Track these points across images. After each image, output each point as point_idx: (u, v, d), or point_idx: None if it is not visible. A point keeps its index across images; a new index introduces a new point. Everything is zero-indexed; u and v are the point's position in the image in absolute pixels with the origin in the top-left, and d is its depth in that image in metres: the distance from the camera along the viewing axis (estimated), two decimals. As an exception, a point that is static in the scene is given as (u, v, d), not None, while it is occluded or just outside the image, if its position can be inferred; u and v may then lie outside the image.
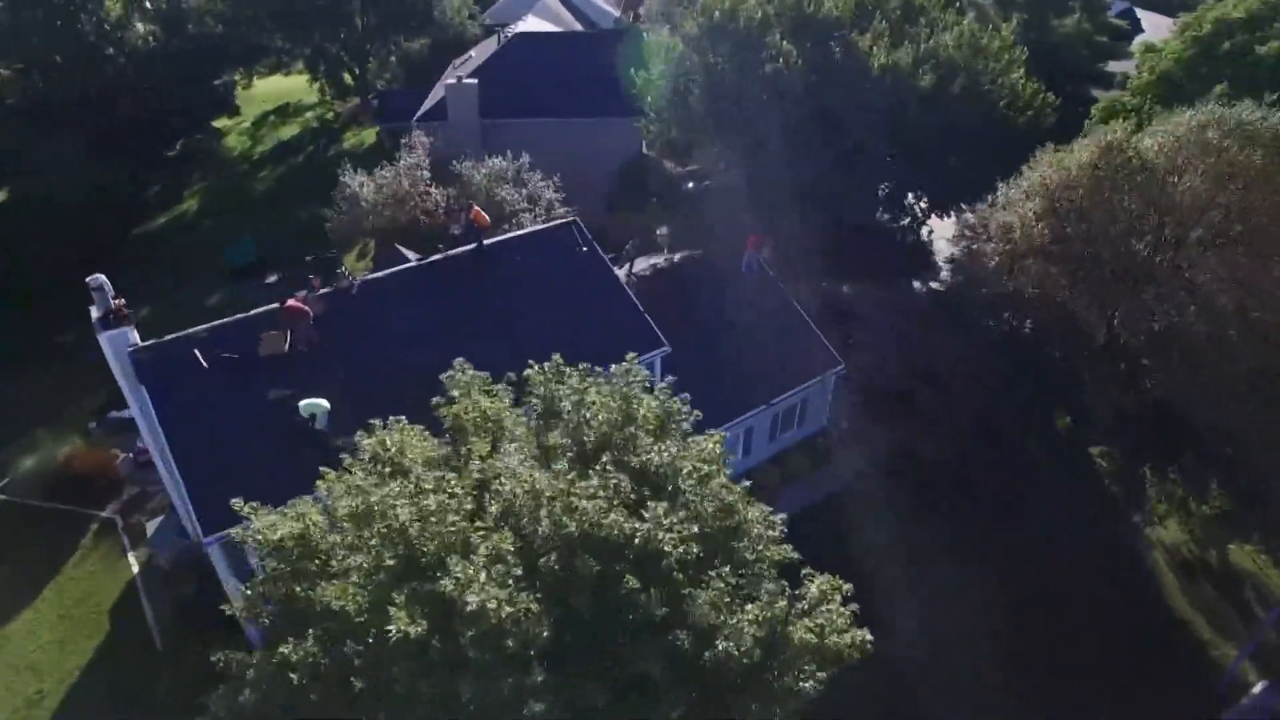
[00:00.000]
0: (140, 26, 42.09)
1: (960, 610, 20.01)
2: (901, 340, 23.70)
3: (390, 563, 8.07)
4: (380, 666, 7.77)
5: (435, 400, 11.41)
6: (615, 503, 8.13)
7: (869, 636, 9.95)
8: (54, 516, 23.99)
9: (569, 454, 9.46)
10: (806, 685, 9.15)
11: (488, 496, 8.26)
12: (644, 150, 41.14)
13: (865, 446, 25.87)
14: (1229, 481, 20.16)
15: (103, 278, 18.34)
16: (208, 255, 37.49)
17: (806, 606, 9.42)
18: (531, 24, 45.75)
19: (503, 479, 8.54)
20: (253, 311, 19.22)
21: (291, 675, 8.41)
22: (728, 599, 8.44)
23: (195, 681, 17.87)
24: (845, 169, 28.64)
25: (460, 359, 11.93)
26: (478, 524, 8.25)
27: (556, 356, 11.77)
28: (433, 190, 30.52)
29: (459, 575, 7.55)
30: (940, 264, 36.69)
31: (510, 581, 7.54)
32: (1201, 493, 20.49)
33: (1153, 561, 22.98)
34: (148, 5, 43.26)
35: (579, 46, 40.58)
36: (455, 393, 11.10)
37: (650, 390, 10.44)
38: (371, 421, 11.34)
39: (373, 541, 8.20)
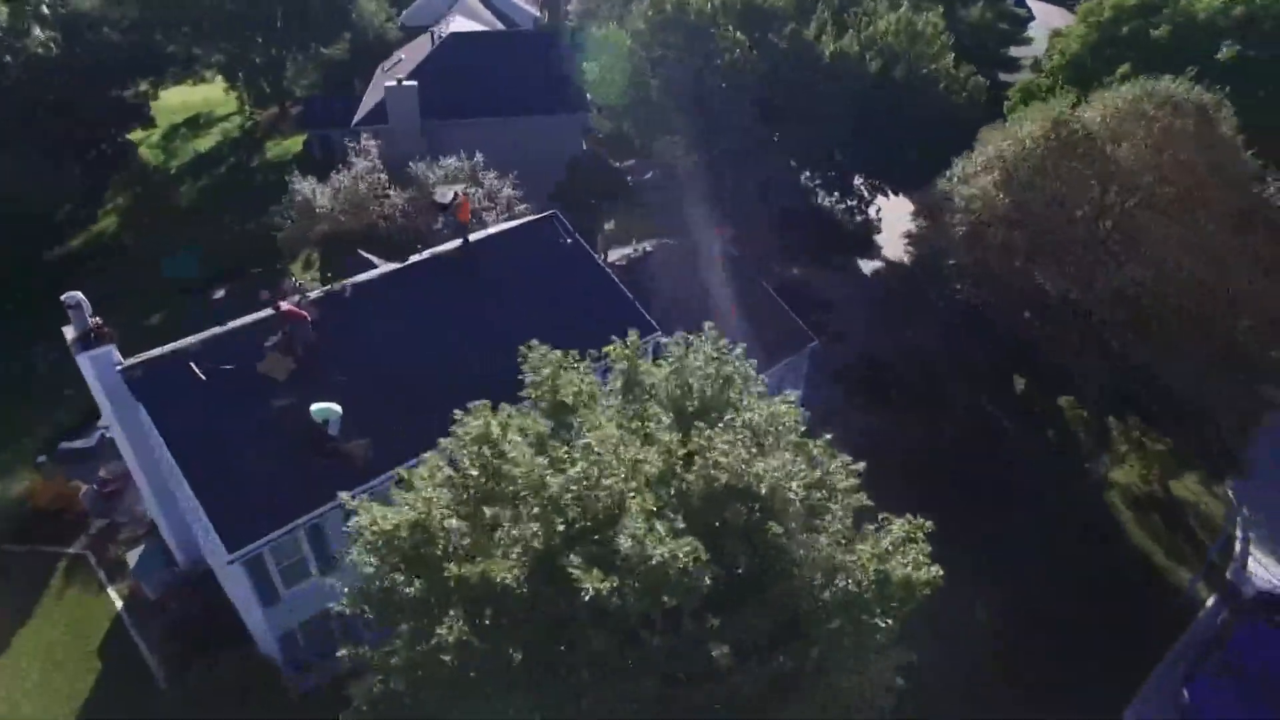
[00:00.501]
0: (39, 32, 39.25)
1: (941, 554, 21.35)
2: (869, 315, 24.95)
3: (557, 528, 8.13)
4: (550, 635, 7.83)
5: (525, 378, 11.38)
6: (752, 453, 8.56)
7: (940, 572, 10.64)
8: (15, 558, 22.37)
9: (666, 419, 9.74)
10: (892, 623, 9.75)
11: (615, 461, 8.49)
12: (584, 146, 41.51)
13: (839, 418, 27.08)
14: (1176, 422, 22.27)
15: (79, 295, 17.38)
16: (140, 273, 35.46)
17: (890, 547, 10.06)
18: (458, 24, 45.19)
19: (624, 444, 8.76)
20: (245, 320, 18.54)
21: (444, 657, 8.30)
22: (842, 539, 8.97)
23: (203, 706, 17.36)
24: (799, 155, 29.85)
25: (534, 340, 11.95)
26: (632, 484, 8.47)
27: (633, 334, 11.89)
28: (391, 193, 29.94)
29: (637, 529, 7.74)
30: (880, 244, 38.80)
31: (673, 535, 7.82)
32: (1159, 433, 22.59)
33: (1111, 500, 25.09)
34: (45, 10, 40.37)
35: (514, 45, 40.51)
36: (545, 370, 11.11)
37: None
38: (471, 405, 11.20)
39: (534, 511, 8.23)
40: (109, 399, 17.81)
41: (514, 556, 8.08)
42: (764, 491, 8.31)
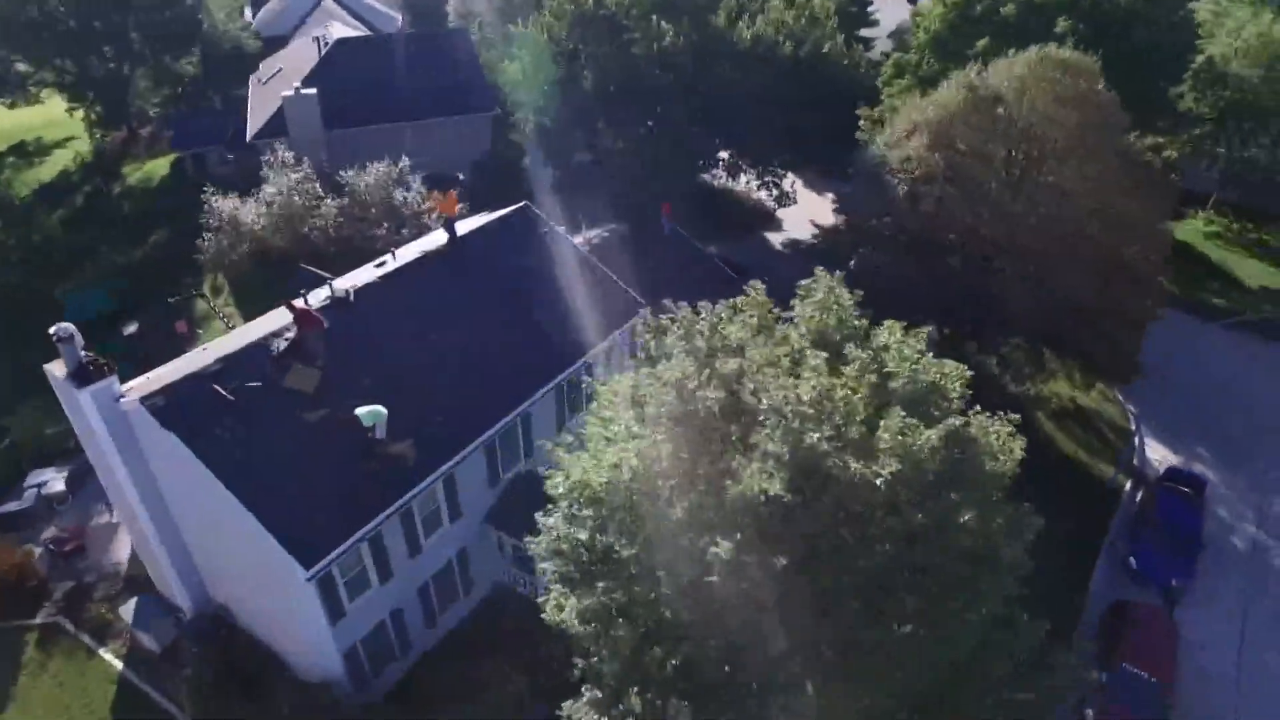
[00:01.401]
0: None
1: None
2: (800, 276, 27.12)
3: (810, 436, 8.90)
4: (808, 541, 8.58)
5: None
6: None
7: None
8: (-29, 639, 19.93)
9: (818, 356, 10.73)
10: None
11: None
12: (492, 145, 41.36)
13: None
14: (1086, 337, 25.96)
15: (71, 327, 15.97)
16: (19, 319, 31.66)
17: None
18: (337, 30, 43.49)
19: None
20: (255, 336, 17.68)
21: (711, 578, 8.75)
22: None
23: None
24: (723, 136, 31.62)
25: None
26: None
27: (757, 284, 12.48)
28: (325, 203, 28.80)
29: (890, 424, 8.82)
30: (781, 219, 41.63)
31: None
32: (1072, 354, 26.23)
33: (1038, 415, 28.81)
34: None
35: (407, 48, 39.56)
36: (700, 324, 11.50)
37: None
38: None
39: (788, 424, 8.89)
40: (107, 437, 16.50)
41: (771, 469, 8.85)
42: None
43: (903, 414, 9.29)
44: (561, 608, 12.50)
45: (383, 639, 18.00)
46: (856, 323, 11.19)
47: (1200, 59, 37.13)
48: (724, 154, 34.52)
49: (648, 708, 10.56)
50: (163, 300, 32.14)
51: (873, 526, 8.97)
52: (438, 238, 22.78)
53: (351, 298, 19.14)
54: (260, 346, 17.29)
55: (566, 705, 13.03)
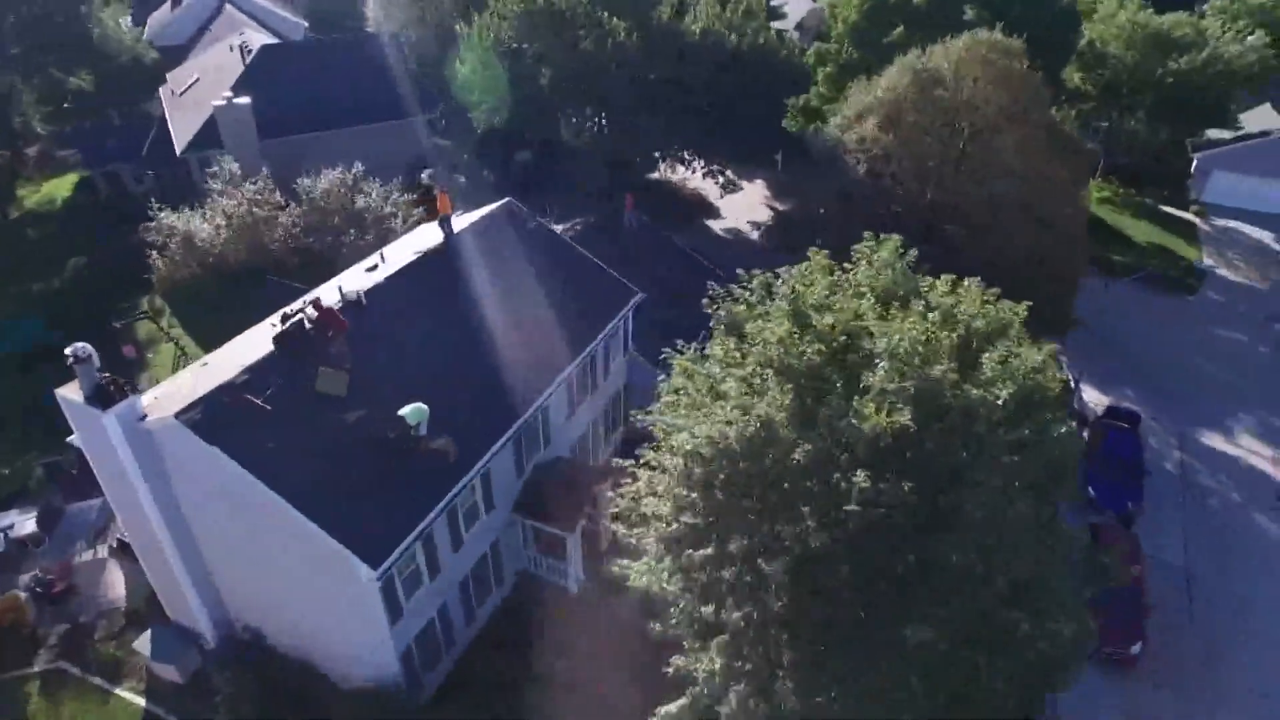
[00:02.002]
0: None
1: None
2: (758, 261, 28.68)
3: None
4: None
5: None
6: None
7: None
8: (-32, 696, 18.48)
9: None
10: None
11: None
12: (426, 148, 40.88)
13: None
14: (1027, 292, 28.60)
15: (89, 347, 15.23)
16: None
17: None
18: (254, 38, 41.74)
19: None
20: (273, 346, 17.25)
21: None
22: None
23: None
24: (676, 129, 32.64)
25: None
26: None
27: (817, 252, 13.31)
28: (283, 214, 27.93)
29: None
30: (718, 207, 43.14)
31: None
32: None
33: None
34: None
35: (334, 54, 38.59)
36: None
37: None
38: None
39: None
40: (129, 462, 15.79)
41: (891, 403, 9.91)
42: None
43: (993, 347, 10.56)
44: (652, 571, 13.15)
45: (432, 636, 17.99)
46: (912, 279, 12.42)
47: (1084, 42, 41.10)
48: (675, 145, 35.54)
49: (761, 662, 11.28)
50: (100, 327, 30.23)
51: (991, 446, 10.17)
52: (430, 237, 22.68)
53: (363, 300, 18.93)
54: (278, 356, 16.88)
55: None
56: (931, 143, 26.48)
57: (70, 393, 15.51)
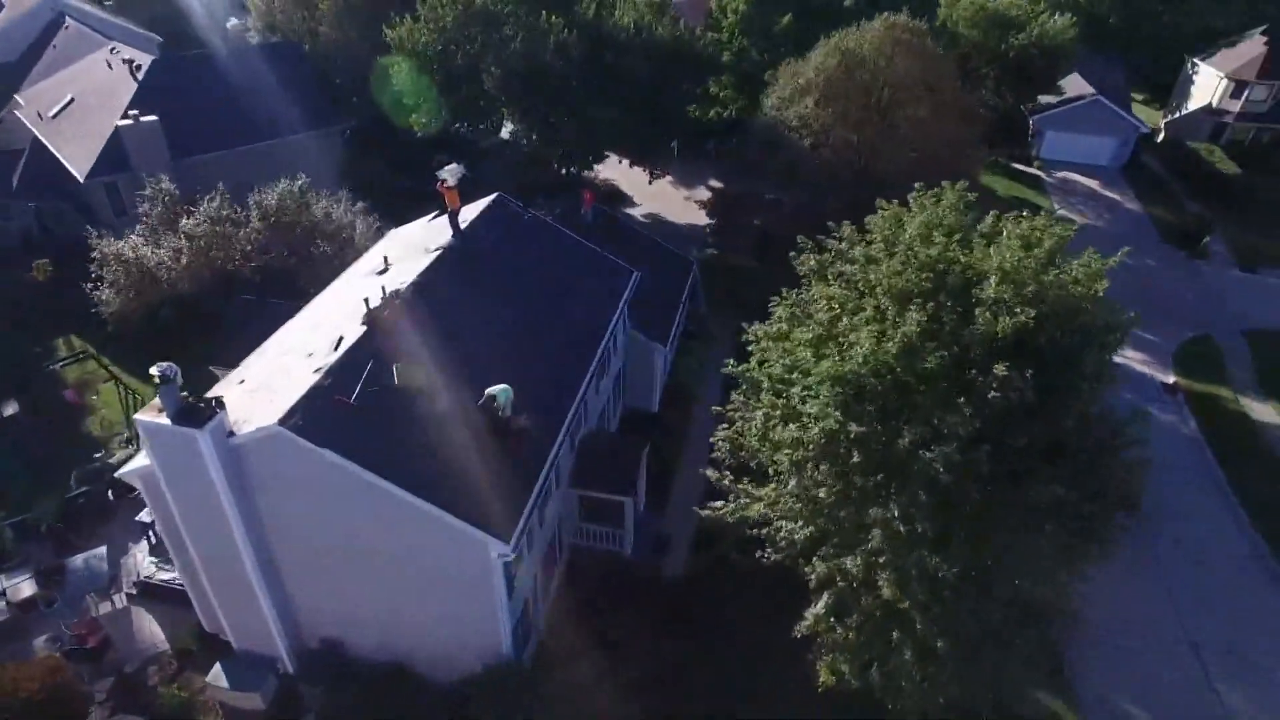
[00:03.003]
0: None
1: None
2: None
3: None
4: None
5: None
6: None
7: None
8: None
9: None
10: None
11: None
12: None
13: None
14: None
15: (175, 366, 14.73)
16: None
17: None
18: (126, 52, 38.48)
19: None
20: (342, 350, 17.19)
21: None
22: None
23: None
24: (616, 121, 33.97)
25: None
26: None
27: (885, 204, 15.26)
28: (241, 230, 26.69)
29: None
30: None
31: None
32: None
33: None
34: None
35: (232, 67, 36.59)
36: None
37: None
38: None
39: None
40: (219, 477, 15.36)
41: (1007, 309, 12.18)
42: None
43: (1066, 259, 13.15)
44: (778, 496, 14.84)
45: (526, 612, 18.60)
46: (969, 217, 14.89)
47: (938, 23, 46.41)
48: (615, 138, 36.81)
49: (904, 547, 13.23)
50: (24, 374, 27.52)
51: (1095, 333, 12.74)
52: (433, 234, 22.86)
53: (407, 293, 19.07)
54: (350, 361, 16.89)
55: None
56: (861, 115, 29.64)
57: (151, 416, 14.86)
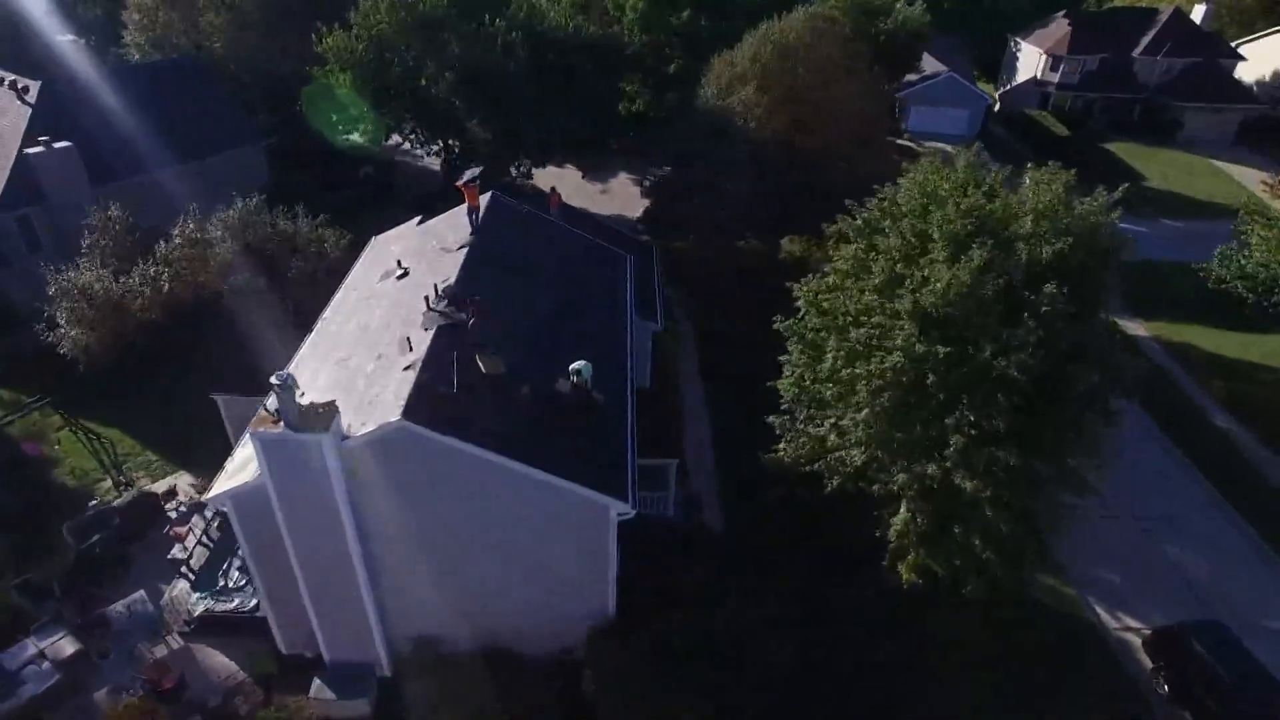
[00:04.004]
0: None
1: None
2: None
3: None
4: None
5: None
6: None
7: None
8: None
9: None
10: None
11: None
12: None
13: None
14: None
15: (292, 374, 14.81)
16: None
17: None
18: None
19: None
20: (427, 348, 17.61)
21: None
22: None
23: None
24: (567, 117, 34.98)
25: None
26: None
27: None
28: (216, 249, 25.59)
29: None
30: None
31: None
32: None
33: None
34: None
35: (136, 85, 34.22)
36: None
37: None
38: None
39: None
40: (337, 475, 15.53)
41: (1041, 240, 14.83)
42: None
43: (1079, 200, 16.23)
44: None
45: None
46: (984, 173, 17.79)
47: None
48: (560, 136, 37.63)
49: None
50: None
51: (1110, 253, 15.79)
52: (446, 235, 23.23)
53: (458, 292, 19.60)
54: (436, 354, 17.39)
55: None
56: (790, 97, 32.56)
57: (266, 428, 14.84)
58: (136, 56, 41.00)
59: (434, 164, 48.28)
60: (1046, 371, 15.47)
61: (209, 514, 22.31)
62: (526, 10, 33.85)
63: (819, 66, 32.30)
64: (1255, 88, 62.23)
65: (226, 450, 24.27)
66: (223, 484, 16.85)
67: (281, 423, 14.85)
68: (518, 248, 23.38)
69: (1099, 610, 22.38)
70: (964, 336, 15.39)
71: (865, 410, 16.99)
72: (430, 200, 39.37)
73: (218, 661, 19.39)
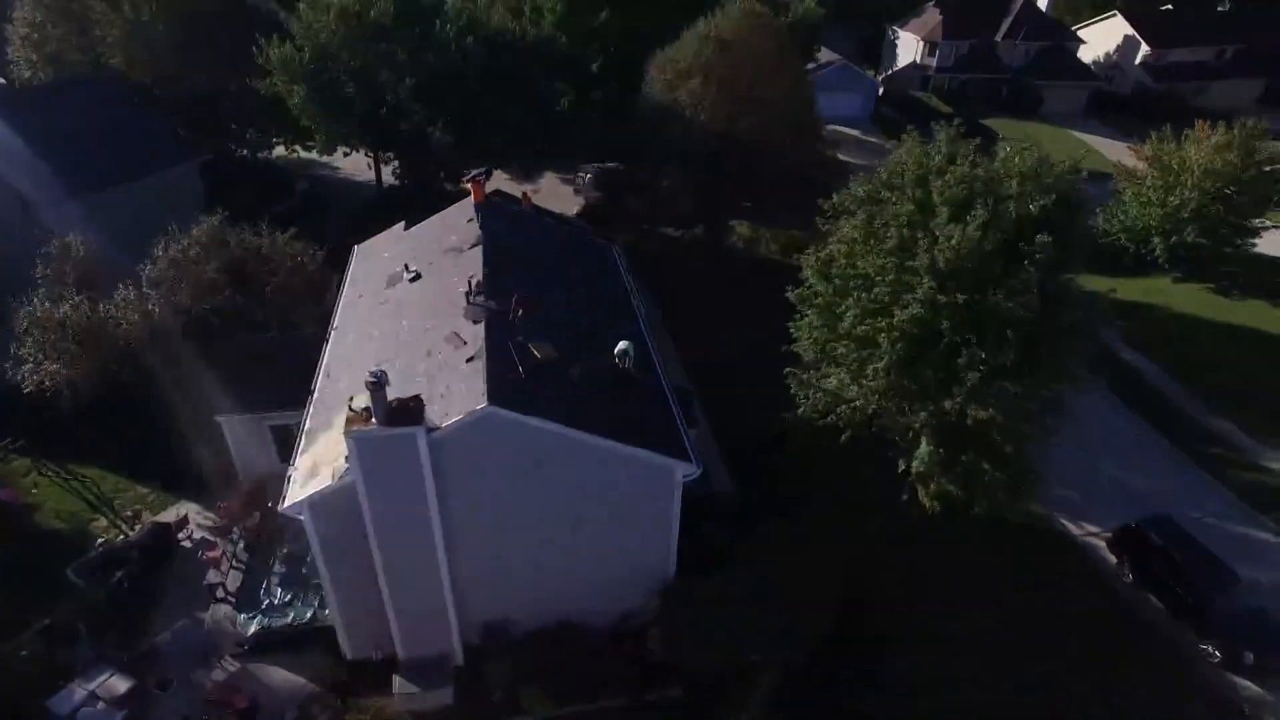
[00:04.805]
0: None
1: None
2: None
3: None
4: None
5: None
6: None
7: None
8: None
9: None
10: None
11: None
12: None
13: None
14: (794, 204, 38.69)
15: (385, 371, 15.24)
16: None
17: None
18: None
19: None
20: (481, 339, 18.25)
21: None
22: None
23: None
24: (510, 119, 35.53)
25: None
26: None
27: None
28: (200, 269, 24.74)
29: None
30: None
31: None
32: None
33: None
34: None
35: (38, 107, 32.01)
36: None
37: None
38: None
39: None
40: (425, 463, 16.01)
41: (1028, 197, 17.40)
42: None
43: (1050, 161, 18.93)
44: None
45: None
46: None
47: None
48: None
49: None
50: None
51: (1082, 206, 18.52)
52: (446, 235, 23.63)
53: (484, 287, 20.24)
54: (497, 346, 18.08)
55: None
56: (733, 90, 34.56)
57: (359, 426, 15.19)
58: (28, 74, 37.98)
59: (361, 175, 47.59)
60: (1040, 311, 18.03)
61: (235, 535, 21.89)
62: (467, 16, 34.14)
63: (757, 59, 34.46)
64: (1093, 66, 70.23)
65: (226, 473, 23.83)
66: (296, 493, 16.89)
67: (373, 420, 15.22)
68: (521, 242, 24.06)
69: (1065, 522, 25.72)
70: (975, 285, 17.70)
71: (885, 358, 19.06)
72: (367, 210, 39.05)
73: (279, 677, 19.26)
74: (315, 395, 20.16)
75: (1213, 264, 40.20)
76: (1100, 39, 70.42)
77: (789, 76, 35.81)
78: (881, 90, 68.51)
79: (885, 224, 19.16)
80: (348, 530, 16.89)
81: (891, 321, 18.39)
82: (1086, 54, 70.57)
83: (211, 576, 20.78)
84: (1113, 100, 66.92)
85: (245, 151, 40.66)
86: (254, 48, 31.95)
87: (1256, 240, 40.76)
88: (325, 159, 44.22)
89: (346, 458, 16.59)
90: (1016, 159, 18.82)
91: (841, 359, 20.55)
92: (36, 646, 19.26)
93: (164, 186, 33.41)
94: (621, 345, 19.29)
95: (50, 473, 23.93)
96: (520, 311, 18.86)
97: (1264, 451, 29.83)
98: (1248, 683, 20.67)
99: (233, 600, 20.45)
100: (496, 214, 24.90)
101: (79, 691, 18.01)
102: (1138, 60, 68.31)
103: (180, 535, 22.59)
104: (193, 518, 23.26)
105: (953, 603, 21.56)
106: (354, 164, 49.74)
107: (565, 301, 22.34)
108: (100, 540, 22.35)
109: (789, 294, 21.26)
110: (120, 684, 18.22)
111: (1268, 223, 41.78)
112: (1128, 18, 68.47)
